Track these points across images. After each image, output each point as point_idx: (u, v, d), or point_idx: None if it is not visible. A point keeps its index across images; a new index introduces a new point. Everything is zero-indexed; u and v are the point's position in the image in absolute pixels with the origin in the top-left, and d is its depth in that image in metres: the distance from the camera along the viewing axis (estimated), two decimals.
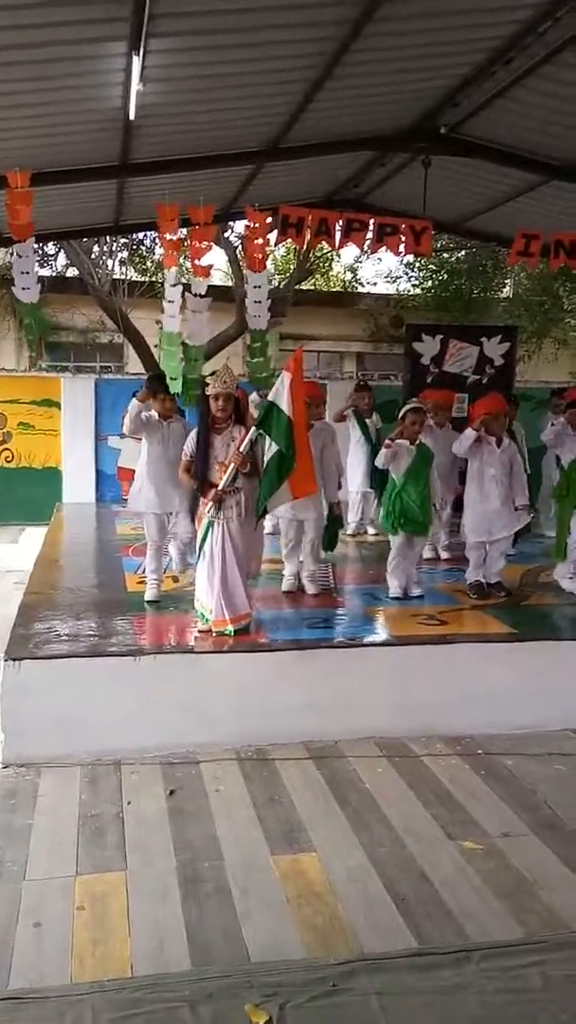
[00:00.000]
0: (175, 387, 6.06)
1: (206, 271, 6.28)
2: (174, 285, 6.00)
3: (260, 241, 6.38)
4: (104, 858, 3.61)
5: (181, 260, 6.19)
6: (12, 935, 3.07)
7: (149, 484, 5.83)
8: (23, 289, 6.47)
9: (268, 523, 6.65)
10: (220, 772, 4.39)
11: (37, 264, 17.04)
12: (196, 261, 6.37)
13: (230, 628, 5.02)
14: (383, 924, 3.17)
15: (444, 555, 7.57)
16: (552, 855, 3.69)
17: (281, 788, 4.24)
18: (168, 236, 6.04)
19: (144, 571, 6.05)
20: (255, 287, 6.27)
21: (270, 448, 5.15)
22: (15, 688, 4.52)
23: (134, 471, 6.11)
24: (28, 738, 4.48)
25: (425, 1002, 2.60)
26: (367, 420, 8.66)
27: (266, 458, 5.18)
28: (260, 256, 6.38)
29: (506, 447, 6.09)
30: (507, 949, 2.89)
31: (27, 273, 6.47)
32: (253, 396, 6.96)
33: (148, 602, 5.78)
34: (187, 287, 7.29)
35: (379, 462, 6.13)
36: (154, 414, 5.88)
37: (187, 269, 6.11)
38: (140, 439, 5.98)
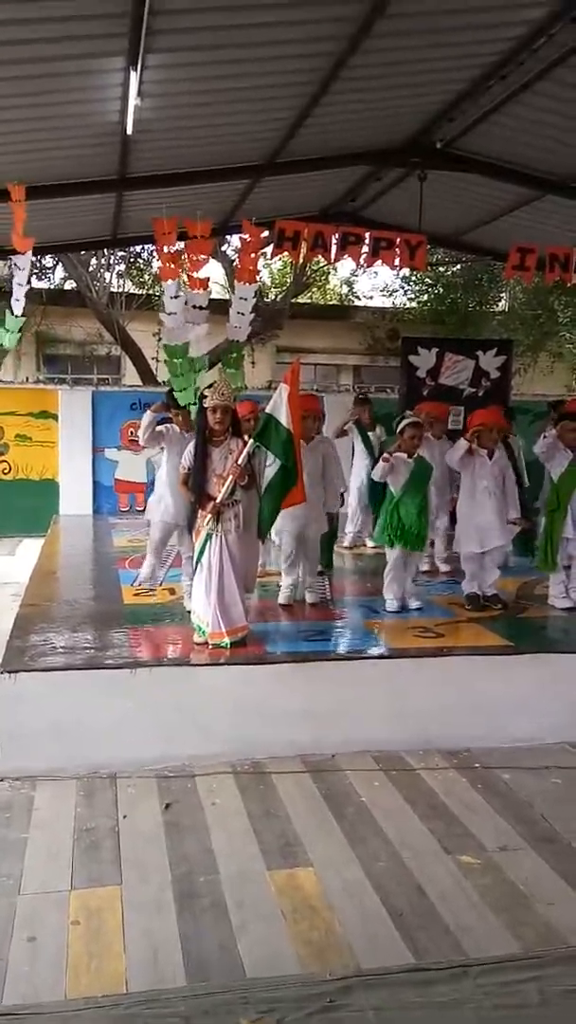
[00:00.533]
0: (185, 399, 6.10)
1: (203, 284, 6.30)
2: (174, 297, 6.01)
3: (254, 255, 6.41)
4: (99, 872, 3.59)
5: (181, 272, 6.22)
6: (6, 949, 3.05)
7: (167, 494, 5.88)
8: (15, 301, 6.62)
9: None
10: (216, 785, 4.38)
11: (35, 277, 17.18)
12: (193, 274, 6.42)
13: (226, 640, 5.01)
14: (380, 939, 3.15)
15: (443, 567, 7.57)
16: (549, 869, 3.67)
17: (277, 802, 4.22)
18: (166, 249, 6.08)
19: (139, 581, 6.04)
20: (240, 299, 6.28)
21: (273, 463, 5.15)
22: (11, 700, 4.50)
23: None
24: (24, 751, 4.45)
25: (422, 1018, 2.58)
26: (370, 433, 8.67)
27: (267, 472, 5.18)
28: (252, 268, 6.41)
29: (497, 459, 6.09)
30: (504, 964, 2.87)
31: (21, 285, 6.61)
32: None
33: (140, 584, 5.76)
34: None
35: (375, 475, 6.14)
36: (176, 427, 5.96)
37: (184, 281, 6.12)
38: (146, 448, 5.99)
